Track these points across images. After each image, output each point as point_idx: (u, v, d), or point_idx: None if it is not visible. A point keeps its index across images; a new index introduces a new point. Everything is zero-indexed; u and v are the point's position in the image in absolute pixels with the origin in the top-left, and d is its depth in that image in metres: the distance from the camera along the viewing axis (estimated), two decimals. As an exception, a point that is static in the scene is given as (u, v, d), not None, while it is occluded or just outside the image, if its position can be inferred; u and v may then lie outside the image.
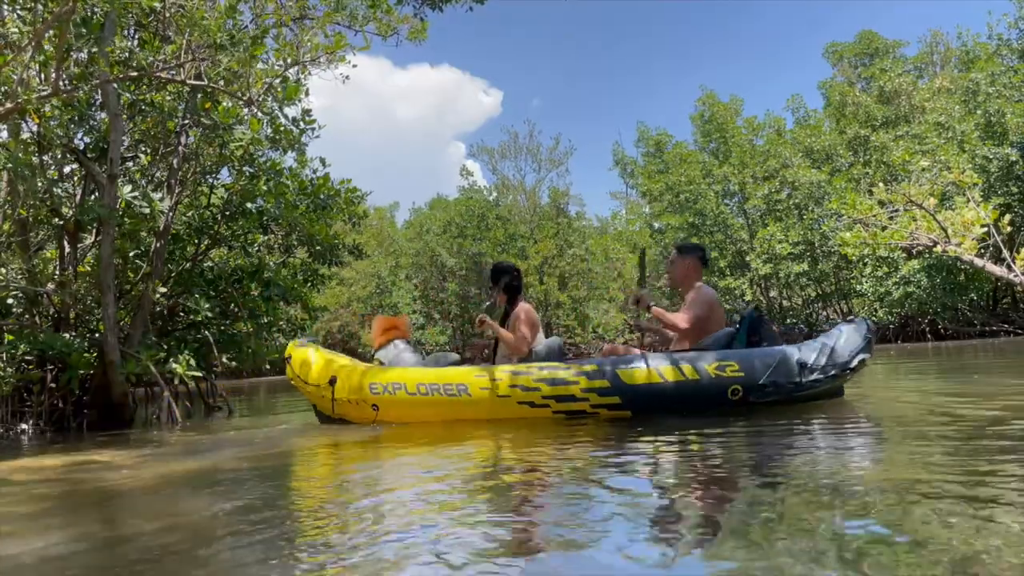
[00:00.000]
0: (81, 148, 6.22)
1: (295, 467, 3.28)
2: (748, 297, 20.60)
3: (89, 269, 6.58)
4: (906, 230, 11.30)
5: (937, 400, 3.89)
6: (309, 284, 8.18)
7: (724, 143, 22.11)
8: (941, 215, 11.00)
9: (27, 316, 6.08)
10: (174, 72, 5.63)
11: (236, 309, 7.26)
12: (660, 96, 71.51)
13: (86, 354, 5.71)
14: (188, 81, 5.56)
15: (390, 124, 69.98)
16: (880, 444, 2.72)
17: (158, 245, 6.52)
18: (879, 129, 20.93)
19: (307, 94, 6.36)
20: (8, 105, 4.68)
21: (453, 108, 70.67)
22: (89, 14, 5.34)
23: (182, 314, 7.42)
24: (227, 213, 7.32)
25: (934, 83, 22.61)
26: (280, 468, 3.20)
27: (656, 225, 23.27)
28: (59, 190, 6.08)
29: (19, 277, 6.13)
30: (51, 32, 4.97)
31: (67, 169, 6.70)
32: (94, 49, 5.44)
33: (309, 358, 4.61)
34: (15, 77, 4.90)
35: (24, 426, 5.69)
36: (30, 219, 6.23)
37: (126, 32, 6.43)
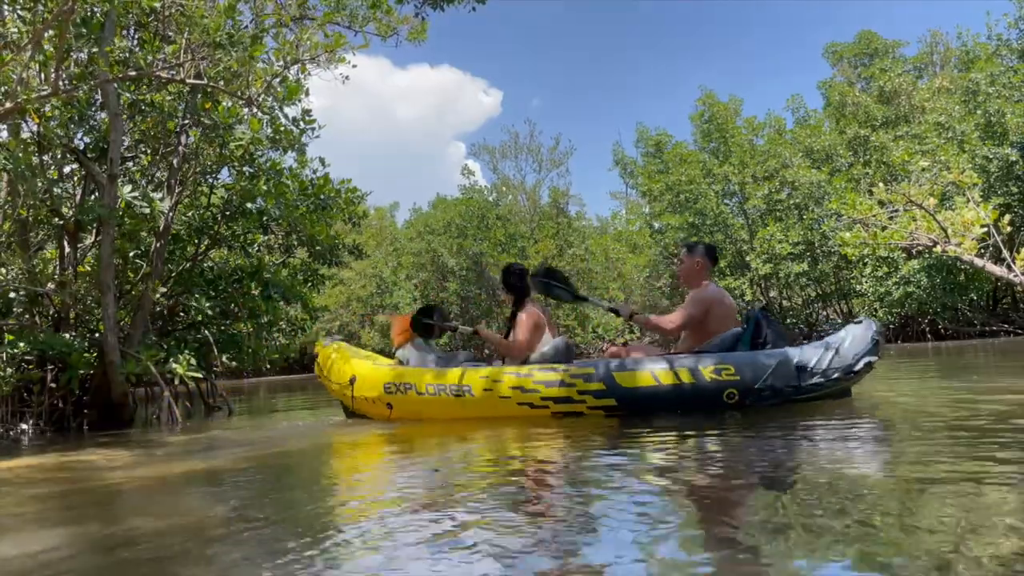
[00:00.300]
0: (81, 148, 6.22)
1: (295, 467, 3.28)
2: (748, 297, 20.60)
3: (89, 269, 6.58)
4: (906, 230, 11.30)
5: (937, 400, 3.89)
6: (309, 284, 8.19)
7: (724, 143, 22.09)
8: (941, 215, 11.00)
9: (27, 316, 6.08)
10: (174, 72, 5.63)
11: (236, 309, 7.26)
12: (660, 96, 71.52)
13: (86, 354, 5.72)
14: (188, 80, 5.56)
15: (390, 124, 70.01)
16: (879, 444, 2.72)
17: (158, 245, 6.52)
18: (879, 129, 20.92)
19: (307, 94, 6.36)
20: (8, 105, 4.68)
21: (453, 108, 70.70)
22: (89, 14, 5.34)
23: (182, 314, 7.43)
24: (227, 213, 7.32)
25: (934, 83, 22.60)
26: (280, 468, 3.20)
27: (656, 225, 23.25)
28: (59, 190, 6.08)
29: (19, 277, 6.13)
30: (51, 32, 4.97)
31: (67, 169, 6.70)
32: (94, 49, 5.44)
33: (333, 356, 4.93)
34: (15, 77, 4.90)
35: (24, 426, 5.69)
36: (30, 219, 6.23)
37: (126, 32, 6.43)
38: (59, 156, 6.33)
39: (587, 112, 73.62)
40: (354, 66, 6.12)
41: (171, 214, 6.51)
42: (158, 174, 7.16)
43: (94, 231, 6.63)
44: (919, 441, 2.61)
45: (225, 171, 7.36)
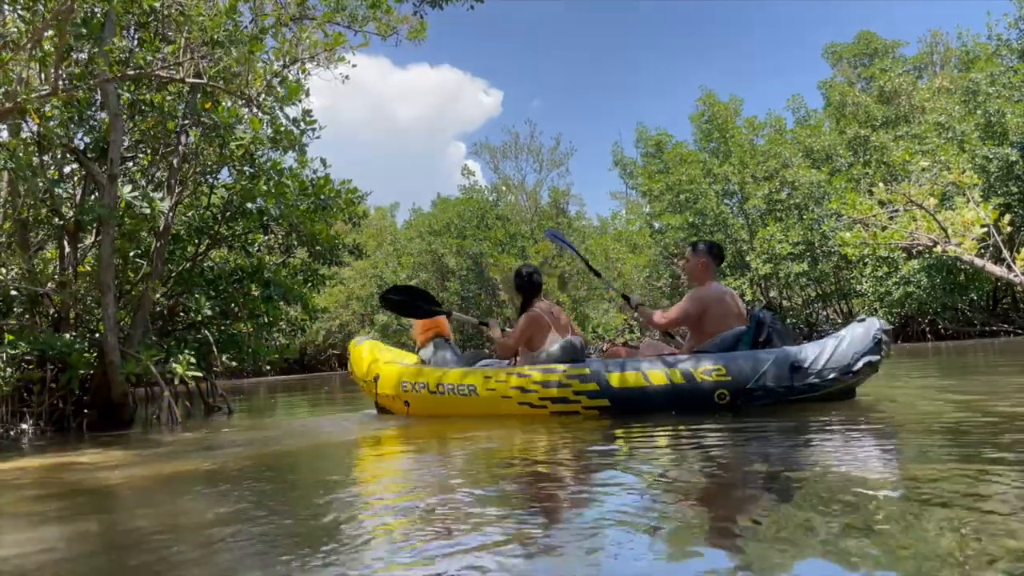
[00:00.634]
0: (81, 148, 6.22)
1: (295, 467, 3.28)
2: (748, 297, 20.59)
3: (89, 269, 6.58)
4: (906, 230, 11.30)
5: (937, 400, 3.88)
6: (309, 284, 8.19)
7: (724, 143, 22.08)
8: (941, 215, 11.00)
9: (27, 316, 6.08)
10: (173, 71, 5.62)
11: (236, 309, 7.26)
12: (660, 96, 71.57)
13: (86, 354, 5.71)
14: (187, 80, 5.56)
15: (390, 124, 70.03)
16: (879, 443, 2.72)
17: (158, 245, 6.51)
18: (879, 129, 20.91)
19: (307, 94, 6.36)
20: (8, 105, 4.68)
21: (453, 108, 70.73)
22: (89, 14, 5.34)
23: (182, 314, 7.43)
24: (227, 213, 7.32)
25: (934, 83, 22.59)
26: (280, 468, 3.20)
27: (656, 225, 23.24)
28: (59, 190, 6.08)
29: (19, 277, 6.13)
30: (51, 32, 4.98)
31: (67, 169, 6.70)
32: (94, 49, 5.44)
33: (362, 355, 5.23)
34: (15, 77, 4.90)
35: (24, 426, 5.69)
36: (30, 219, 6.23)
37: (126, 32, 6.43)
38: (59, 156, 6.32)
39: (587, 112, 73.69)
40: (354, 65, 6.12)
41: (171, 214, 6.51)
42: (158, 174, 7.16)
43: (94, 231, 6.63)
44: (919, 442, 2.61)
45: (225, 171, 7.37)
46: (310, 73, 6.03)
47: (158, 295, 6.65)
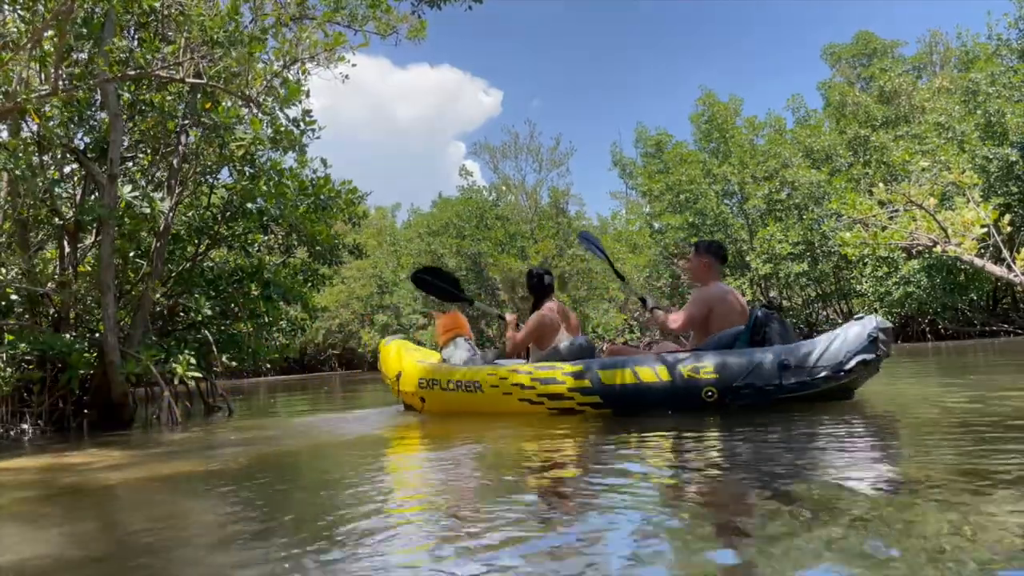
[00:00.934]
0: (81, 148, 6.22)
1: (295, 466, 3.28)
2: (748, 297, 20.59)
3: (89, 269, 6.58)
4: (906, 230, 11.29)
5: (937, 400, 3.88)
6: (309, 284, 8.18)
7: (724, 143, 22.07)
8: (941, 215, 11.00)
9: (27, 316, 6.08)
10: (173, 71, 5.62)
11: (236, 309, 7.26)
12: (660, 96, 71.62)
13: (86, 354, 5.71)
14: (187, 80, 5.56)
15: (390, 124, 70.07)
16: (878, 443, 2.72)
17: (158, 245, 6.51)
18: (879, 129, 20.90)
19: (308, 95, 6.35)
20: (8, 105, 4.68)
21: (453, 108, 70.78)
22: (89, 14, 5.34)
23: (182, 314, 7.42)
24: (227, 213, 7.32)
25: (934, 83, 22.58)
26: (280, 467, 3.20)
27: (656, 225, 23.22)
28: (59, 190, 6.08)
29: (19, 277, 6.13)
30: (51, 32, 4.97)
31: (67, 169, 6.70)
32: (94, 49, 5.44)
33: (389, 354, 5.46)
34: (15, 77, 4.90)
35: (24, 426, 5.68)
36: (30, 219, 6.23)
37: (126, 32, 6.42)
38: (59, 156, 6.32)
39: (587, 112, 73.75)
40: (354, 65, 6.12)
41: (171, 214, 6.50)
42: (158, 174, 7.15)
43: (94, 231, 6.62)
44: (919, 442, 2.61)
45: (225, 171, 7.36)
46: (310, 73, 6.03)
47: (158, 295, 6.65)
